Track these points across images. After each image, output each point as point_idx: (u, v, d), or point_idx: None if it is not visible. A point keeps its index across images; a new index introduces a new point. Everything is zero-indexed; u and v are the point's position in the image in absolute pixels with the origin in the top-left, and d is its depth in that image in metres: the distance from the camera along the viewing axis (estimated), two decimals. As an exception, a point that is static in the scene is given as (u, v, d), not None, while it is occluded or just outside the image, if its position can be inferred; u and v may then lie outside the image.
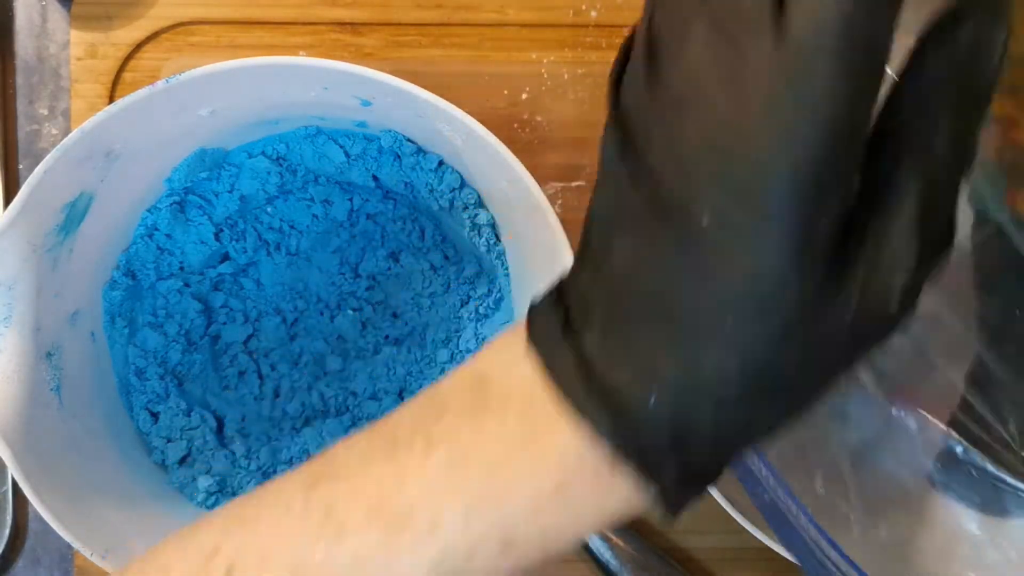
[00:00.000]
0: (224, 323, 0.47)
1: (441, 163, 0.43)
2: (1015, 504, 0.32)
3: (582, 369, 0.19)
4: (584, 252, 0.21)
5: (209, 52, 0.50)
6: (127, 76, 0.50)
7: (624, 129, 0.19)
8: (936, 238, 0.18)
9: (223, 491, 0.44)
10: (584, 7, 0.51)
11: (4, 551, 0.48)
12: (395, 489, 0.20)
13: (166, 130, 0.39)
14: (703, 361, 0.18)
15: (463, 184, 0.43)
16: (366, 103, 0.39)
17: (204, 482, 0.43)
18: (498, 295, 0.47)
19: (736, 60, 0.16)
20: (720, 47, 0.17)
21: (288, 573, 0.20)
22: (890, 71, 0.18)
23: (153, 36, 0.50)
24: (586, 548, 0.48)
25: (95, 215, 0.40)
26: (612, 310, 0.19)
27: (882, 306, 0.18)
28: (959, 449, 0.32)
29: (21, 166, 0.50)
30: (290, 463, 0.45)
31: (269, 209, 0.46)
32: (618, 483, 0.19)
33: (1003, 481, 0.32)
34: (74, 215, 0.38)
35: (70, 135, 0.36)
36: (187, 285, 0.46)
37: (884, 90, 0.18)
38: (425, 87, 0.36)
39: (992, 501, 0.33)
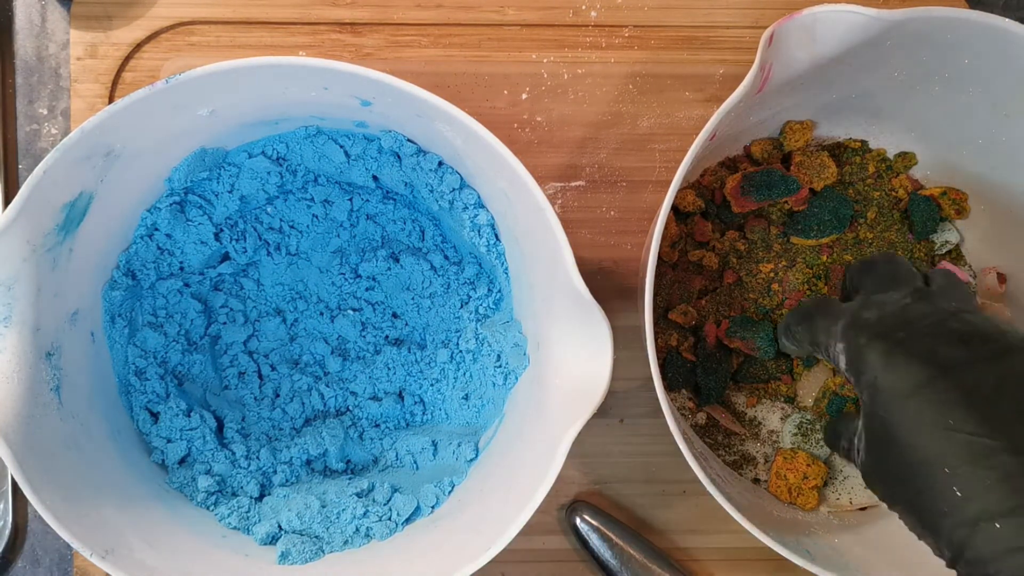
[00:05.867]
0: (224, 323, 0.47)
1: (441, 163, 0.43)
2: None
3: None
4: None
5: (209, 52, 0.50)
6: (127, 76, 0.50)
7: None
8: None
9: (223, 491, 0.44)
10: (584, 7, 0.51)
11: (4, 551, 0.49)
12: None
13: (166, 130, 0.39)
14: None
15: (463, 184, 0.43)
16: (366, 103, 0.39)
17: (204, 482, 0.43)
18: (498, 295, 0.47)
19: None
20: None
21: None
22: None
23: (153, 36, 0.50)
24: (586, 548, 0.48)
25: (95, 215, 0.40)
26: None
27: None
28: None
29: (21, 166, 0.50)
30: (290, 464, 0.45)
31: (269, 209, 0.46)
32: None
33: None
34: (74, 215, 0.38)
35: (70, 135, 0.36)
36: (187, 285, 0.46)
37: None
38: (425, 87, 0.36)
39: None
